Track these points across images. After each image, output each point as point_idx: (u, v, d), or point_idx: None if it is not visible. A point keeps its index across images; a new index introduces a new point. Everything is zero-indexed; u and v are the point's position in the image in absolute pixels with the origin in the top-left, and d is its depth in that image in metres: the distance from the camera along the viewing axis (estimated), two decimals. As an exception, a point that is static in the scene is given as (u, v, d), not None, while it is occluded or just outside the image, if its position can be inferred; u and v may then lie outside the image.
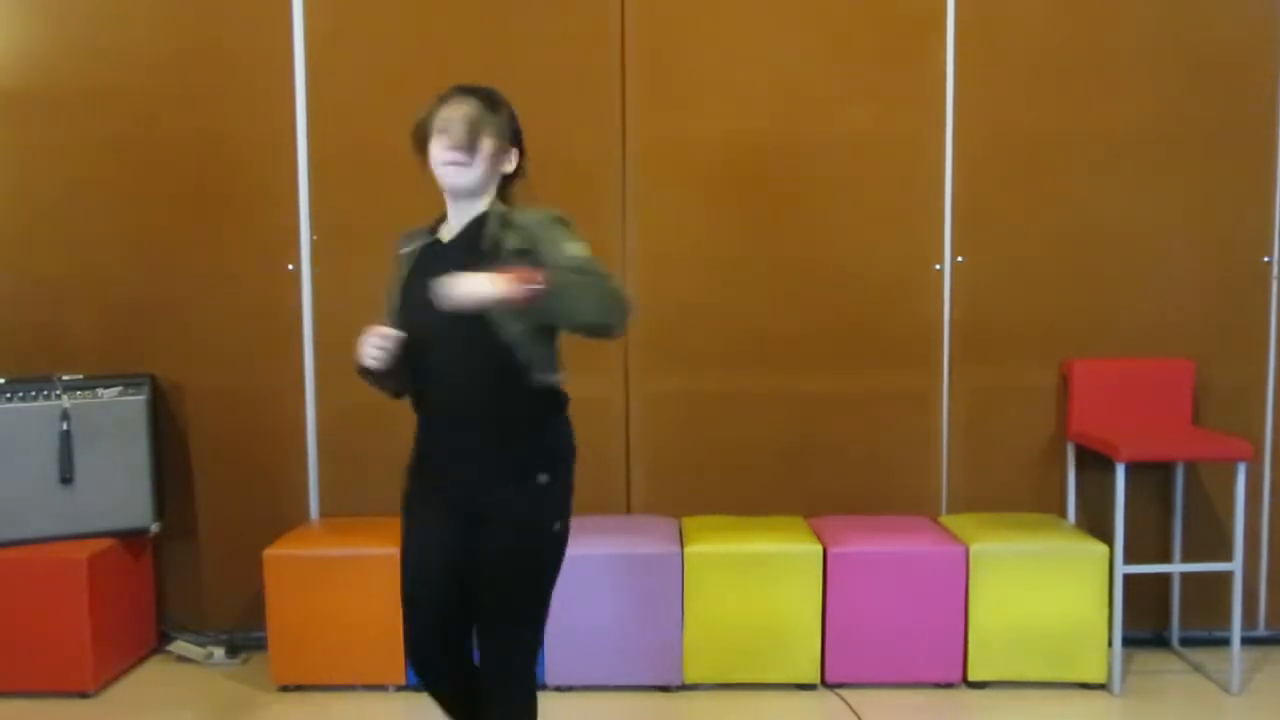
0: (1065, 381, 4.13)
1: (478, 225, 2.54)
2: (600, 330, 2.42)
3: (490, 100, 2.58)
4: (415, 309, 2.51)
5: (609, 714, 3.69)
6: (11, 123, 4.12)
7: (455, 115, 2.53)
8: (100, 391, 3.92)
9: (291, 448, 4.19)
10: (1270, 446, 4.17)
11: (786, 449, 4.19)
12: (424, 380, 2.56)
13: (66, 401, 3.86)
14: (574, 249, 2.45)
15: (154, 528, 4.02)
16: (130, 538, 3.99)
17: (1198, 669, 4.00)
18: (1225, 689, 3.82)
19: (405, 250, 2.65)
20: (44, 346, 4.12)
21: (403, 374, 2.55)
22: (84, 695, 3.79)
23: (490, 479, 2.53)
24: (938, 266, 4.15)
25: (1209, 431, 4.01)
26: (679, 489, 4.20)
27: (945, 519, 4.11)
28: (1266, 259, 4.14)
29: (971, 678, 3.81)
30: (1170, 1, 4.08)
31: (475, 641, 2.63)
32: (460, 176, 2.53)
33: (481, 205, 2.59)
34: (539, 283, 2.27)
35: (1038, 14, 4.09)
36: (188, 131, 4.11)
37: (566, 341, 4.18)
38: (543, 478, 2.54)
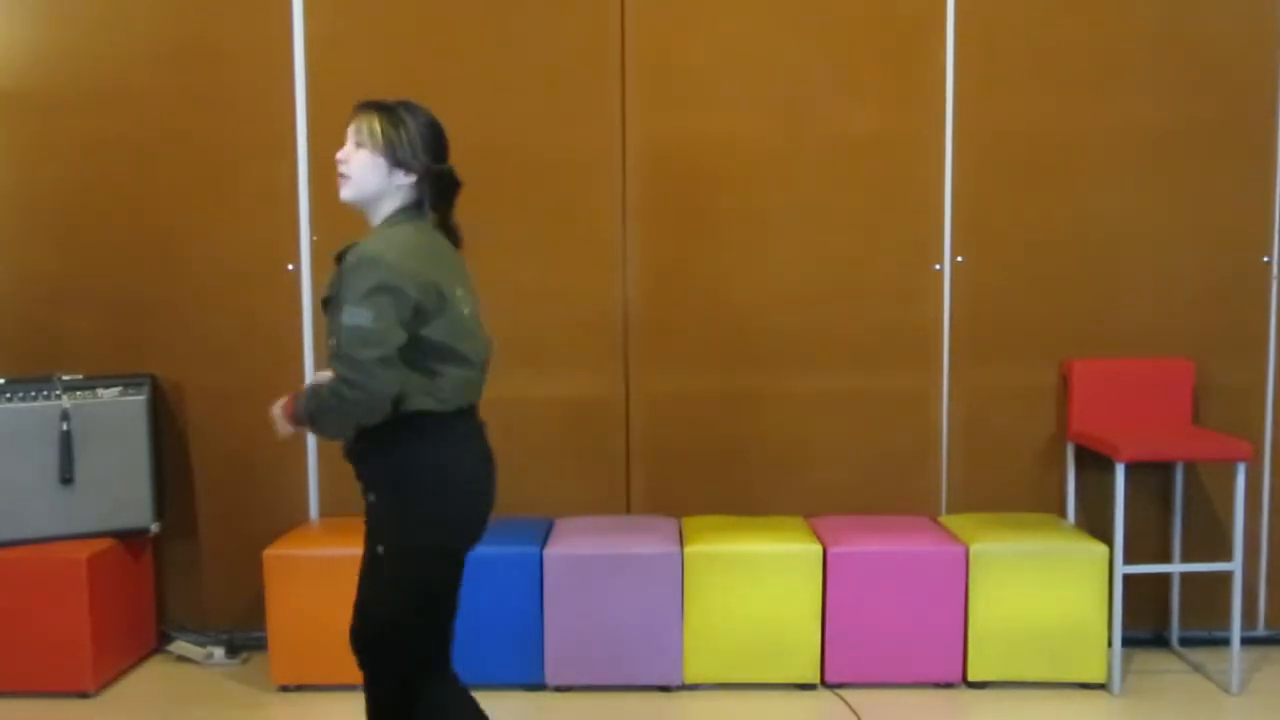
0: (1065, 381, 4.13)
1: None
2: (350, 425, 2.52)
3: (390, 115, 2.58)
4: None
5: (609, 714, 3.69)
6: (11, 123, 4.12)
7: (349, 128, 2.58)
8: (100, 391, 3.92)
9: (291, 448, 4.18)
10: (1270, 446, 4.18)
11: (786, 449, 4.19)
12: None
13: (66, 401, 3.86)
14: (347, 317, 2.41)
15: (154, 528, 4.02)
16: (130, 538, 3.99)
17: (1198, 669, 4.00)
18: (1225, 689, 3.82)
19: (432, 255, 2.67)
20: (44, 346, 4.12)
21: None
22: (84, 695, 3.79)
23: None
24: (938, 266, 4.15)
25: (1209, 431, 4.01)
26: (679, 489, 4.20)
27: (945, 519, 4.11)
28: (1266, 259, 4.14)
29: (971, 678, 3.81)
30: (1170, 1, 4.08)
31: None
32: (342, 189, 2.57)
33: (374, 223, 2.61)
34: (289, 418, 2.54)
35: (1038, 14, 4.08)
36: (188, 131, 4.11)
37: (566, 342, 4.19)
38: (370, 497, 2.60)
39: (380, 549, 2.58)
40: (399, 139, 2.54)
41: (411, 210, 2.59)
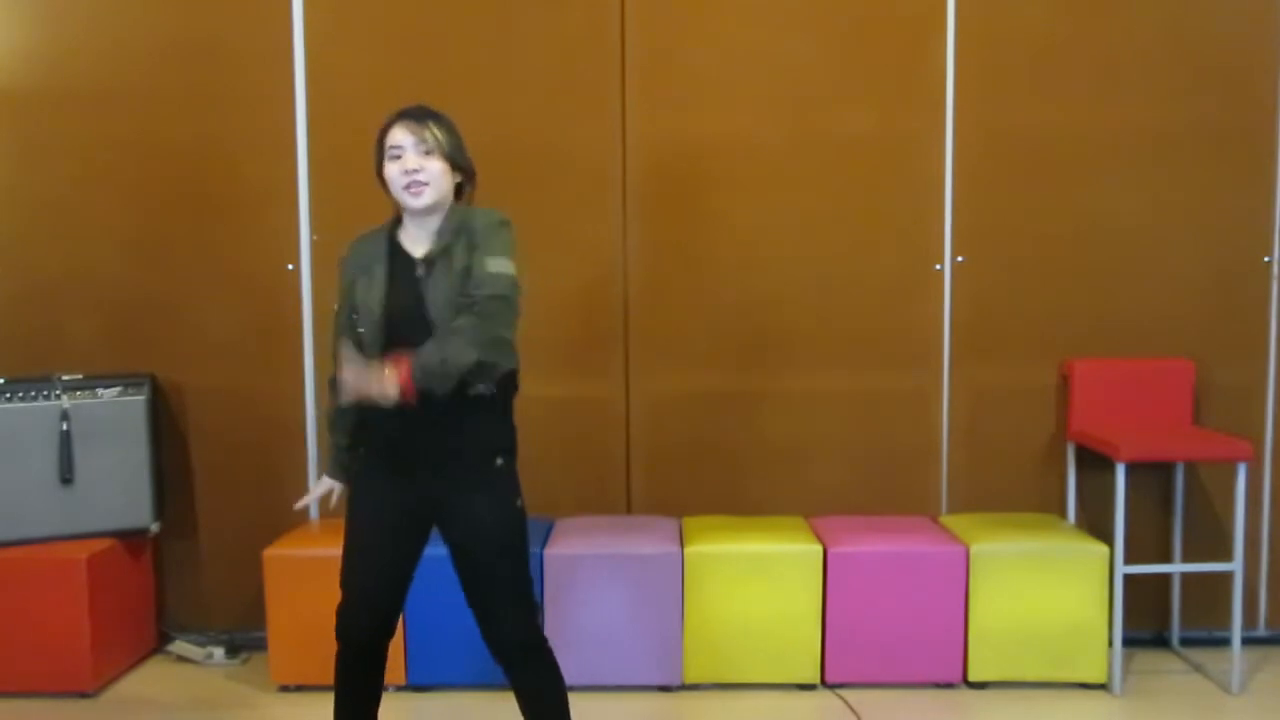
0: (1065, 381, 4.13)
1: (442, 239, 2.70)
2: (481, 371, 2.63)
3: (440, 122, 2.75)
4: (398, 315, 2.69)
5: (609, 714, 3.69)
6: (11, 122, 4.12)
7: (406, 139, 2.70)
8: (100, 391, 3.92)
9: (291, 448, 4.19)
10: (1270, 446, 4.17)
11: (786, 449, 4.19)
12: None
13: (66, 401, 3.86)
14: (494, 265, 2.63)
15: (154, 528, 4.02)
16: (130, 538, 3.99)
17: (1198, 669, 3.99)
18: (1225, 689, 3.82)
19: (363, 255, 2.79)
20: (44, 346, 4.12)
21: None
22: (84, 695, 3.79)
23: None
24: (938, 266, 4.15)
25: (1209, 431, 4.00)
26: (679, 489, 4.20)
27: (945, 519, 4.11)
28: (1266, 259, 4.14)
29: (971, 678, 3.81)
30: (1170, 1, 4.08)
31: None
32: (420, 196, 2.69)
33: (439, 216, 2.74)
34: (406, 380, 2.51)
35: (1038, 14, 4.08)
36: (188, 131, 4.11)
37: (566, 342, 4.19)
38: (498, 461, 2.75)
39: (519, 502, 2.76)
40: (455, 145, 2.75)
41: (461, 201, 2.80)
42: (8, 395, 3.81)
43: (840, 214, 4.13)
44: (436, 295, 2.65)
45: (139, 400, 3.97)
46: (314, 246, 4.12)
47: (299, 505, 3.04)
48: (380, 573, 2.80)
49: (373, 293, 2.71)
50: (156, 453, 4.03)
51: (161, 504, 4.06)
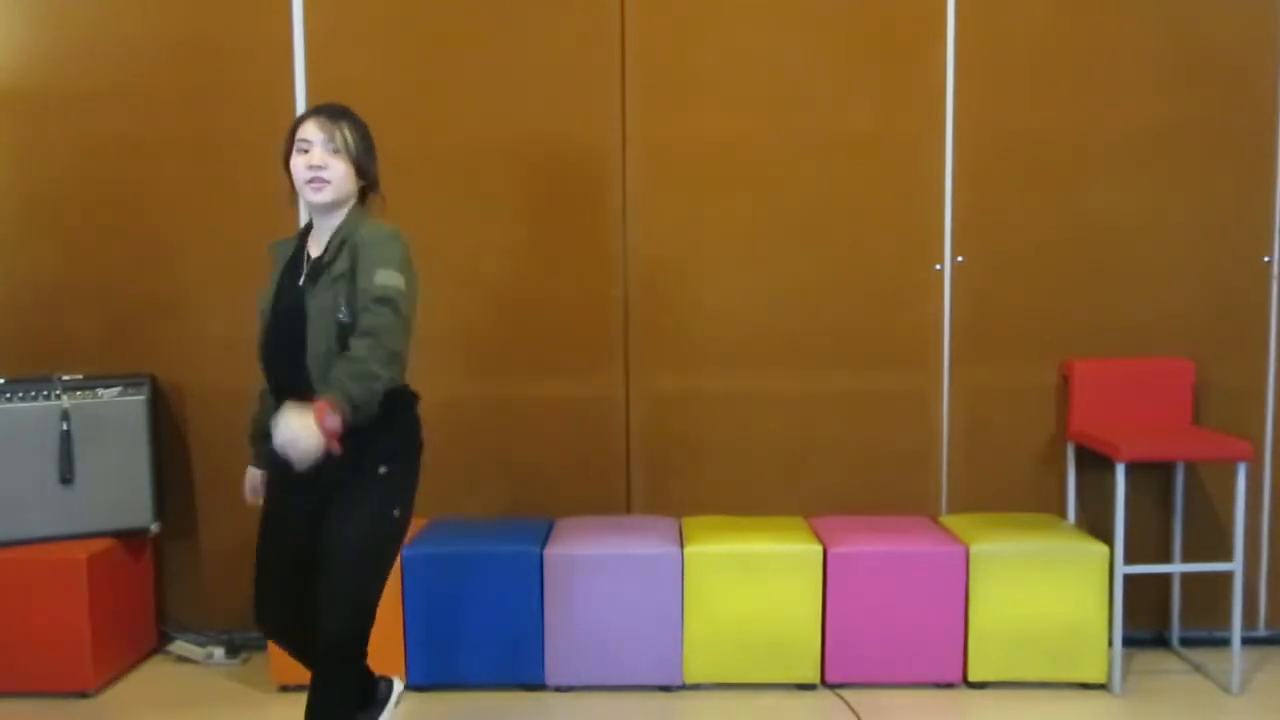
0: (1065, 381, 4.13)
1: (330, 246, 2.75)
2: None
3: (353, 124, 2.79)
4: (282, 318, 2.76)
5: (609, 714, 3.69)
6: (11, 123, 4.12)
7: (316, 135, 2.75)
8: (100, 391, 3.92)
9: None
10: (1270, 446, 4.17)
11: (786, 449, 4.19)
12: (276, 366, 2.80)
13: (66, 401, 3.86)
14: (381, 278, 2.60)
15: (154, 528, 4.02)
16: (130, 538, 3.99)
17: (1198, 669, 3.99)
18: (1225, 689, 3.82)
19: (275, 257, 2.90)
20: (44, 346, 4.12)
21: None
22: (84, 695, 3.79)
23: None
24: (938, 266, 4.15)
25: (1209, 431, 4.01)
26: (679, 489, 4.20)
27: (945, 519, 4.11)
28: (1266, 259, 4.14)
29: (971, 678, 3.81)
30: (1170, 1, 4.08)
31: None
32: (320, 193, 2.73)
33: (339, 217, 2.78)
34: (334, 417, 2.45)
35: (1038, 14, 4.09)
36: (188, 131, 4.11)
37: (566, 342, 4.19)
38: (381, 469, 2.75)
39: (396, 513, 2.78)
40: (364, 150, 2.78)
41: (362, 207, 2.84)
42: (8, 395, 3.81)
43: (840, 214, 4.14)
44: (312, 302, 2.70)
45: (139, 400, 3.97)
46: (314, 246, 4.12)
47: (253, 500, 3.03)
48: (280, 580, 2.87)
49: (266, 293, 2.83)
50: (156, 453, 4.03)
51: (161, 504, 4.06)
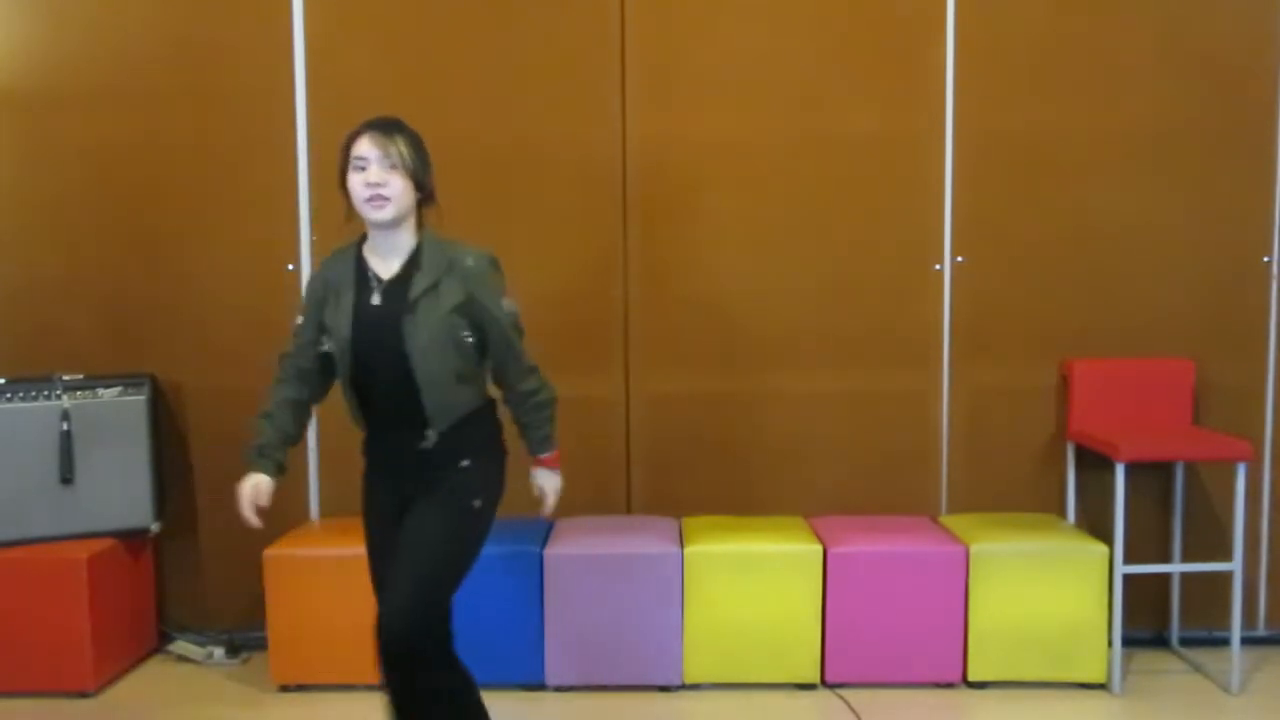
0: (1065, 381, 4.13)
1: (413, 263, 2.75)
2: None
3: (408, 138, 2.75)
4: (367, 341, 2.74)
5: (609, 714, 3.69)
6: (11, 123, 4.12)
7: (372, 151, 2.70)
8: (100, 391, 3.92)
9: (292, 448, 4.18)
10: (1270, 446, 4.17)
11: (786, 449, 4.19)
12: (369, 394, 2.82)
13: (66, 401, 3.86)
14: (508, 305, 2.81)
15: (154, 528, 4.02)
16: (130, 538, 3.99)
17: (1198, 669, 4.00)
18: (1225, 689, 3.82)
19: (332, 276, 2.83)
20: (44, 346, 4.12)
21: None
22: (84, 695, 3.79)
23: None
24: (938, 266, 4.15)
25: (1209, 431, 4.01)
26: (679, 489, 4.20)
27: (945, 519, 4.11)
28: (1266, 259, 4.14)
29: (971, 678, 3.81)
30: (1170, 2, 4.08)
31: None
32: (381, 210, 2.69)
33: (406, 234, 2.76)
34: (556, 457, 2.99)
35: (1038, 14, 4.09)
36: (187, 131, 4.11)
37: (566, 342, 4.19)
38: (465, 462, 2.81)
39: (477, 504, 2.80)
40: (420, 163, 2.74)
41: (426, 224, 2.83)
42: (8, 395, 3.81)
43: (840, 214, 4.13)
44: (419, 334, 2.69)
45: (139, 400, 3.97)
46: (314, 247, 4.12)
47: (252, 520, 2.91)
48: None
49: (340, 317, 2.76)
50: (156, 453, 4.03)
51: (161, 504, 4.06)
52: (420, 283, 2.71)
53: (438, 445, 2.75)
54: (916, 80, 4.11)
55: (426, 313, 2.69)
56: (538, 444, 2.95)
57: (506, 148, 4.10)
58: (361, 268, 2.78)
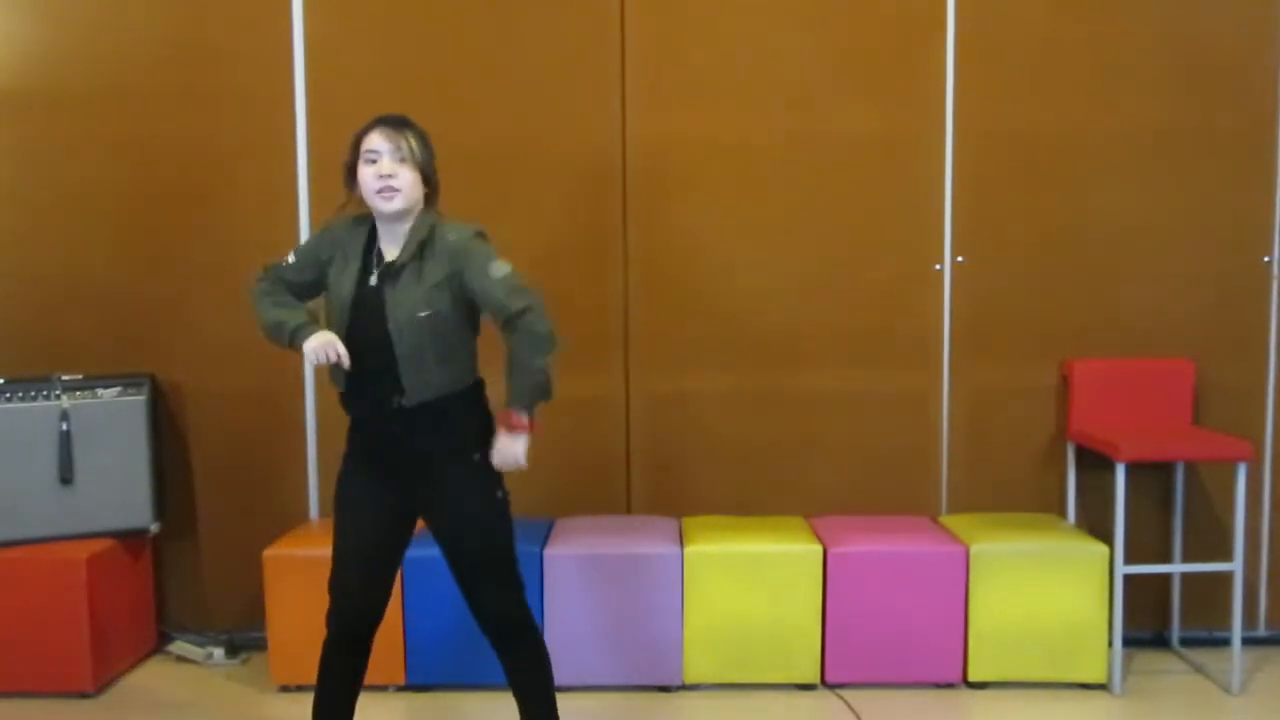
0: (1065, 381, 4.13)
1: (405, 248, 2.81)
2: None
3: (416, 134, 2.84)
4: (362, 311, 2.80)
5: (609, 714, 3.69)
6: (11, 123, 4.12)
7: (383, 145, 2.79)
8: (100, 391, 3.92)
9: (291, 448, 4.19)
10: (1270, 446, 4.17)
11: (786, 449, 4.19)
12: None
13: (66, 401, 3.86)
14: (497, 269, 2.77)
15: (154, 528, 4.02)
16: (130, 538, 3.99)
17: (1198, 669, 3.99)
18: (1225, 689, 3.82)
19: (346, 239, 2.88)
20: (44, 346, 4.11)
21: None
22: (84, 695, 3.79)
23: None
24: (938, 266, 4.15)
25: (1209, 431, 4.00)
26: (679, 489, 4.20)
27: (945, 519, 4.11)
28: (1266, 259, 4.14)
29: (971, 678, 3.81)
30: (1170, 2, 4.08)
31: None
32: (391, 201, 2.78)
33: (408, 223, 2.84)
34: (524, 419, 2.81)
35: (1038, 14, 4.09)
36: (187, 131, 4.11)
37: (566, 341, 4.18)
38: (475, 456, 2.86)
39: (500, 494, 2.90)
40: (427, 157, 2.84)
41: (430, 210, 2.88)
42: (8, 395, 3.81)
43: (840, 214, 4.13)
44: (397, 308, 2.75)
45: (139, 400, 3.97)
46: (314, 246, 4.11)
47: (345, 356, 2.80)
48: (369, 568, 2.90)
49: (344, 283, 2.83)
50: (156, 453, 4.03)
51: (161, 504, 4.06)
52: (404, 260, 2.78)
53: (421, 423, 2.79)
54: (916, 80, 4.11)
55: (406, 290, 2.76)
56: (517, 394, 2.79)
57: (506, 147, 4.10)
58: (371, 244, 2.86)
